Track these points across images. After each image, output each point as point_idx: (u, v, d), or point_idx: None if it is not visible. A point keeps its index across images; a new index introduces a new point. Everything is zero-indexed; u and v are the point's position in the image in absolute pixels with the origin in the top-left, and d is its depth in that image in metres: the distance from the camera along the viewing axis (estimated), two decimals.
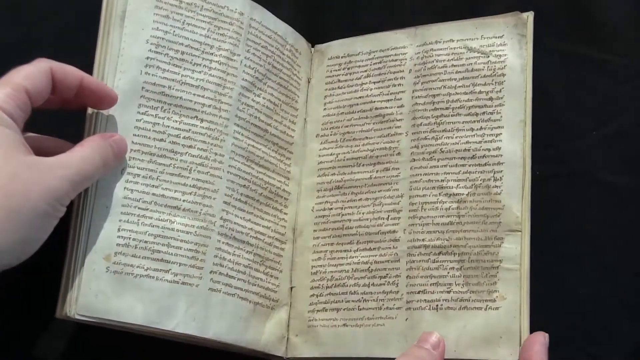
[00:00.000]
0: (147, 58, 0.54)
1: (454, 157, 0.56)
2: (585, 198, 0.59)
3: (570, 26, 0.63)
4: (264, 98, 0.59)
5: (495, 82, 0.56)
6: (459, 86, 0.57)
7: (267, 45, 0.59)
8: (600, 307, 0.56)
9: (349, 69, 0.62)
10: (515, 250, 0.53)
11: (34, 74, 0.48)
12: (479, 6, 0.61)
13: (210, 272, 0.53)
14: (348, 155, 0.60)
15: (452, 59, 0.58)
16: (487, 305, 0.52)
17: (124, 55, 0.53)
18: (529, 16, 0.57)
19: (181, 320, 0.52)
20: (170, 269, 0.52)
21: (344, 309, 0.56)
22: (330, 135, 0.61)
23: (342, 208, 0.59)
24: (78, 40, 0.60)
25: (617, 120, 0.60)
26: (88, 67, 0.53)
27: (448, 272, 0.54)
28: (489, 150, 0.55)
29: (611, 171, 0.59)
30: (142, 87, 0.54)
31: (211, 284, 0.53)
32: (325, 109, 0.62)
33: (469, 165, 0.55)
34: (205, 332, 0.53)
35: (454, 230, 0.54)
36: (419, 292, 0.54)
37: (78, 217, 0.51)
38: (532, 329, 0.51)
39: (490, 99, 0.56)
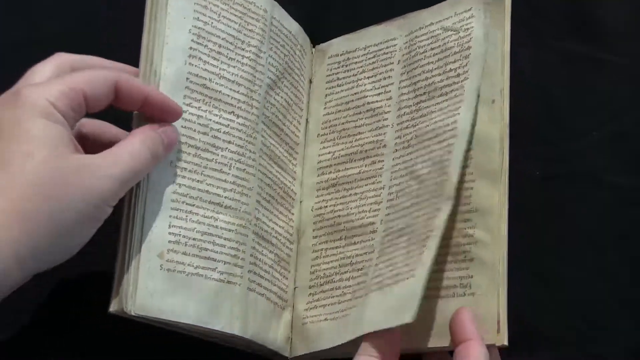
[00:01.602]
0: (190, 48, 0.52)
1: (424, 140, 0.54)
2: (585, 198, 0.59)
3: (570, 26, 0.63)
4: (281, 97, 0.58)
5: (463, 57, 0.54)
6: (435, 69, 0.55)
7: (285, 44, 0.59)
8: (600, 307, 0.56)
9: (347, 66, 0.61)
10: (443, 219, 0.49)
11: (97, 80, 0.46)
12: None
13: (248, 272, 0.52)
14: (343, 152, 0.59)
15: (430, 43, 0.57)
16: (411, 275, 0.49)
17: (169, 43, 0.51)
18: None
19: (227, 320, 0.50)
20: (216, 268, 0.50)
21: (328, 305, 0.55)
22: (329, 133, 0.60)
23: (334, 205, 0.58)
24: (82, 39, 0.58)
25: (617, 120, 0.60)
26: None
27: (400, 252, 0.51)
28: (447, 125, 0.52)
29: (612, 171, 0.59)
30: (187, 78, 0.51)
31: (248, 283, 0.52)
32: (325, 107, 0.61)
33: (432, 145, 0.53)
34: (245, 332, 0.51)
35: (413, 210, 0.52)
36: (376, 276, 0.53)
37: (130, 213, 0.48)
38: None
39: (458, 75, 0.54)
